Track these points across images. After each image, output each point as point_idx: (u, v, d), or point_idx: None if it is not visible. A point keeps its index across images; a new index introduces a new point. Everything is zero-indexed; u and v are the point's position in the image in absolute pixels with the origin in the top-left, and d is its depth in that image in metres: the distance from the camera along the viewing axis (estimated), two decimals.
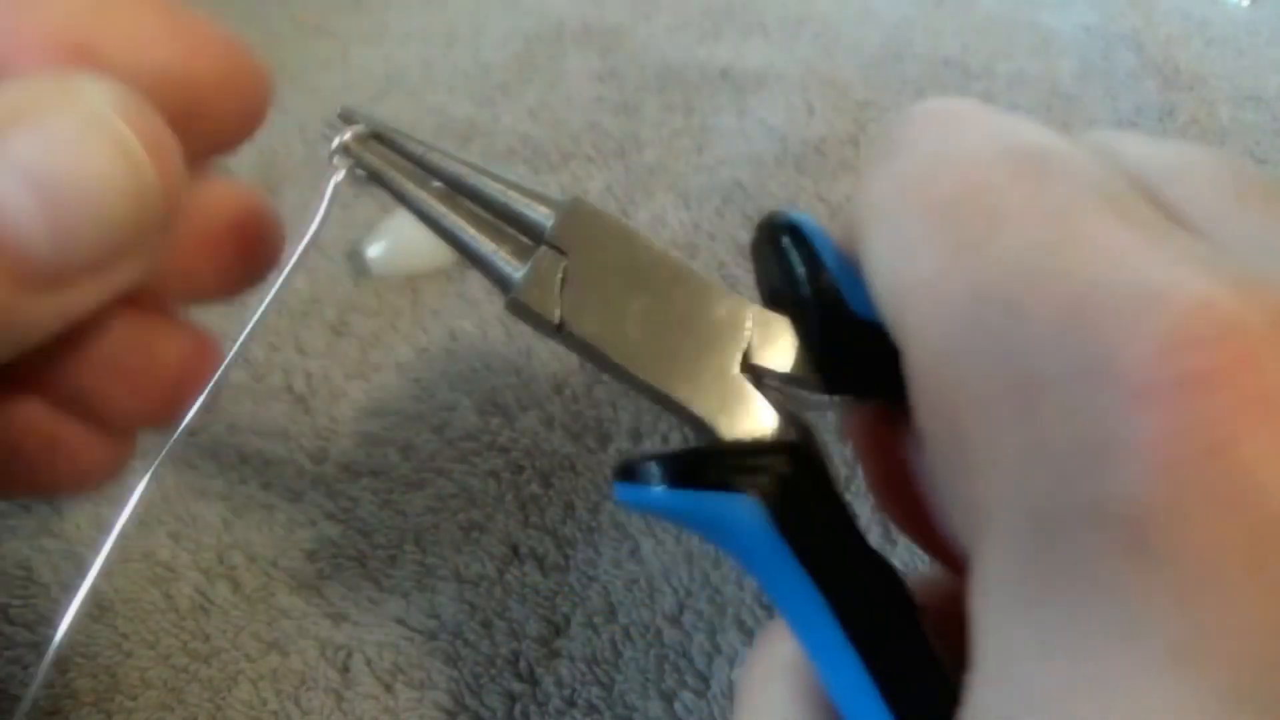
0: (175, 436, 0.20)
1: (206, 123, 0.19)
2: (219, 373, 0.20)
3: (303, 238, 0.20)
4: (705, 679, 0.28)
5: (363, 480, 0.33)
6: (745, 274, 0.40)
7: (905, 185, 0.16)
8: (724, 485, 0.16)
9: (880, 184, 0.16)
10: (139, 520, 0.23)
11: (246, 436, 0.34)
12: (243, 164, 0.47)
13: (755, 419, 0.17)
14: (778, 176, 0.45)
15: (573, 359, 0.37)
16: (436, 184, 0.18)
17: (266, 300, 0.20)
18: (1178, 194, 0.16)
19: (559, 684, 0.28)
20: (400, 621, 0.29)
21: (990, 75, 0.51)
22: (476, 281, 0.41)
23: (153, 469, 0.20)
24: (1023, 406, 0.13)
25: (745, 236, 0.42)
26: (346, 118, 0.19)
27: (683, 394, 0.17)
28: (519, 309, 0.17)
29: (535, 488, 0.33)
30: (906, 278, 0.15)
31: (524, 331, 0.38)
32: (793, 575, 0.16)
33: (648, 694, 0.27)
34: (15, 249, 0.16)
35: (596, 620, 0.29)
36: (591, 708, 0.27)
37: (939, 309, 0.15)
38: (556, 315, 0.17)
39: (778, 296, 0.18)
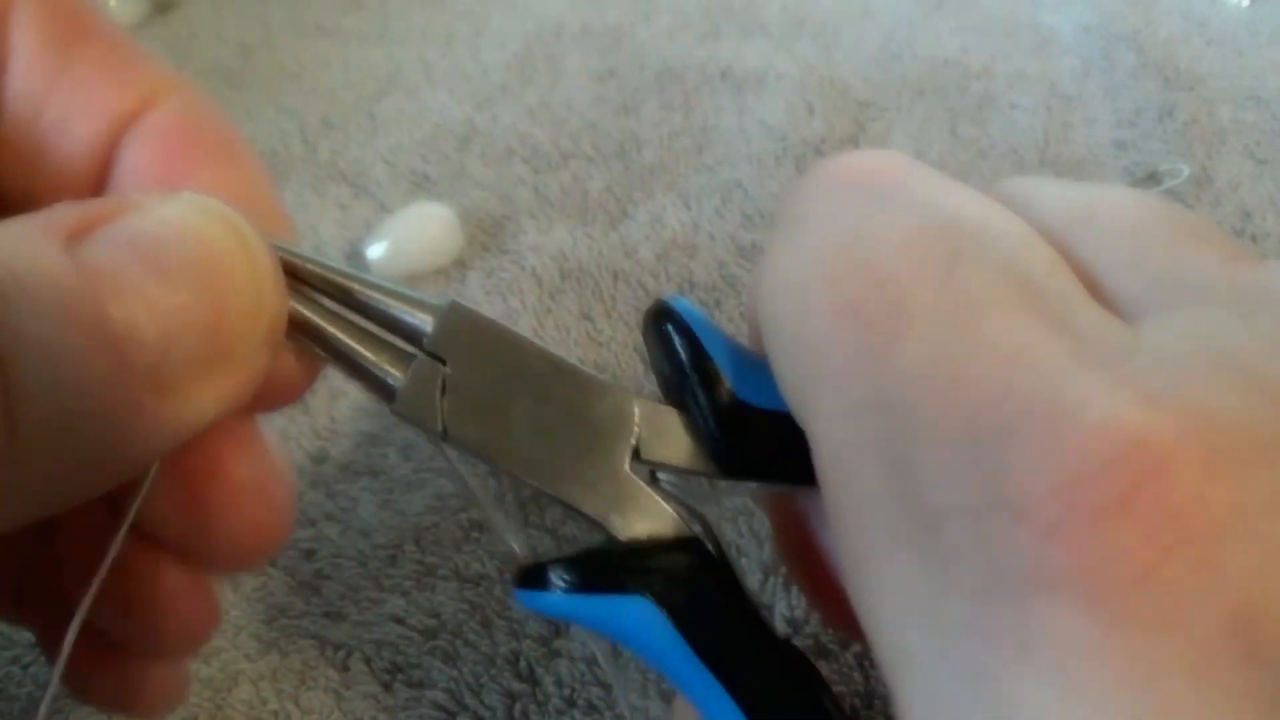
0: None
1: None
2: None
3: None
4: None
5: (362, 480, 0.33)
6: (745, 274, 0.40)
7: (813, 271, 0.15)
8: (620, 588, 0.17)
9: (787, 262, 0.16)
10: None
11: None
12: None
13: (649, 516, 0.17)
14: (778, 176, 0.45)
15: (572, 360, 0.37)
16: (319, 296, 0.17)
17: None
18: (1090, 246, 0.15)
19: (559, 683, 0.28)
20: (399, 620, 0.29)
21: (990, 75, 0.51)
22: (476, 281, 0.41)
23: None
24: (926, 540, 0.13)
25: (745, 237, 0.42)
26: None
27: (573, 496, 0.17)
28: (402, 418, 0.17)
29: None
30: (813, 380, 0.15)
31: (524, 331, 0.38)
32: (694, 671, 0.16)
33: (648, 693, 0.27)
34: (127, 329, 0.13)
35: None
36: (591, 707, 0.27)
37: (843, 421, 0.14)
38: (439, 425, 0.17)
39: (668, 385, 0.18)
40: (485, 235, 0.43)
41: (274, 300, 0.16)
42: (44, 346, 0.13)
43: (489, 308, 0.39)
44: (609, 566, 0.17)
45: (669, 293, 0.18)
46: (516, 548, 0.18)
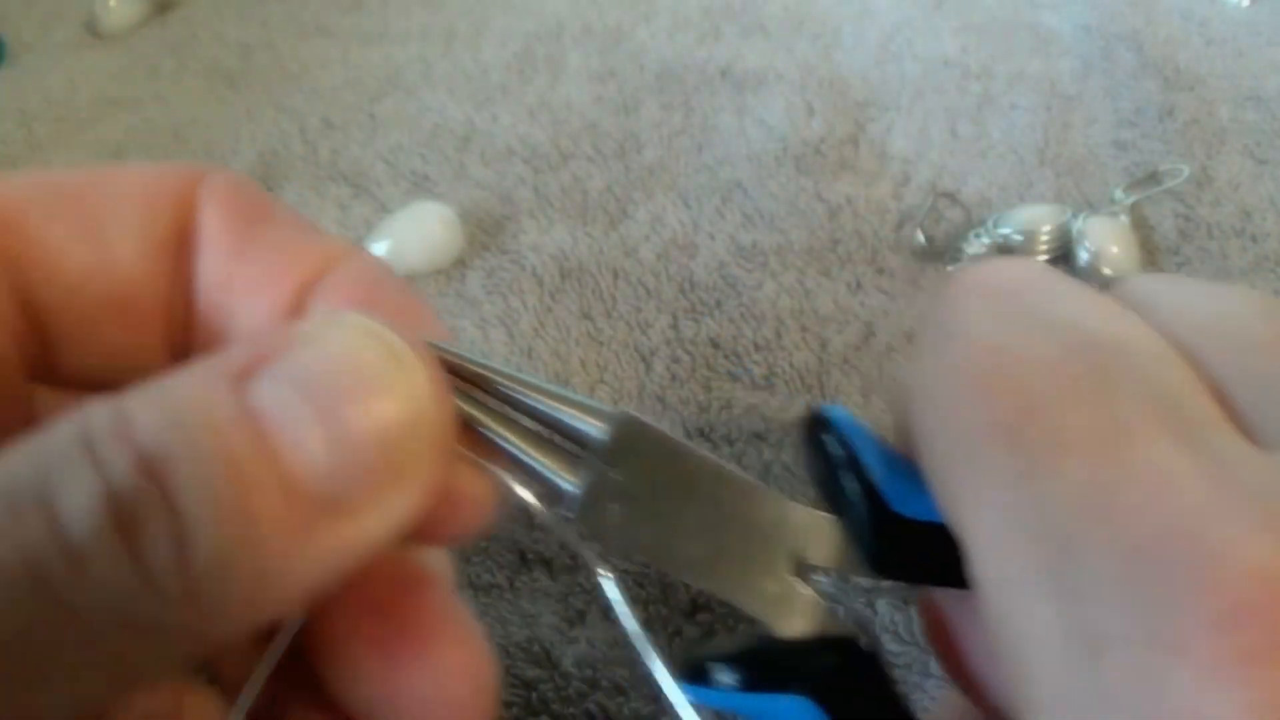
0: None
1: None
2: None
3: None
4: None
5: None
6: (745, 274, 0.40)
7: (964, 389, 0.16)
8: (780, 687, 0.18)
9: (936, 376, 0.16)
10: None
11: None
12: (243, 163, 0.47)
13: (806, 615, 0.18)
14: (778, 176, 0.45)
15: (573, 360, 0.37)
16: (490, 400, 0.18)
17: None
18: (1218, 360, 0.16)
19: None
20: None
21: (990, 75, 0.51)
22: (476, 281, 0.41)
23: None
24: (1089, 666, 0.13)
25: (745, 237, 0.42)
26: None
27: (738, 599, 0.18)
28: (573, 523, 0.18)
29: None
30: (971, 499, 0.15)
31: (525, 331, 0.38)
32: None
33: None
34: (295, 464, 0.14)
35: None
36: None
37: (1004, 542, 0.15)
38: (611, 532, 0.18)
39: (824, 490, 0.19)
40: (485, 235, 0.43)
41: (435, 408, 0.16)
42: (213, 485, 0.13)
43: (489, 307, 0.39)
44: (769, 665, 0.18)
45: (819, 407, 0.20)
46: (666, 690, 0.19)
